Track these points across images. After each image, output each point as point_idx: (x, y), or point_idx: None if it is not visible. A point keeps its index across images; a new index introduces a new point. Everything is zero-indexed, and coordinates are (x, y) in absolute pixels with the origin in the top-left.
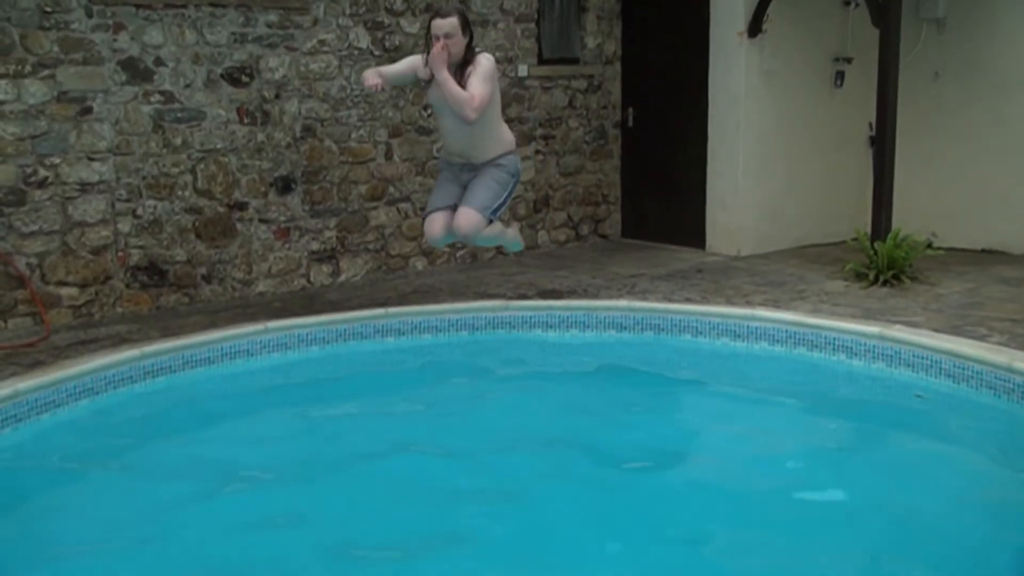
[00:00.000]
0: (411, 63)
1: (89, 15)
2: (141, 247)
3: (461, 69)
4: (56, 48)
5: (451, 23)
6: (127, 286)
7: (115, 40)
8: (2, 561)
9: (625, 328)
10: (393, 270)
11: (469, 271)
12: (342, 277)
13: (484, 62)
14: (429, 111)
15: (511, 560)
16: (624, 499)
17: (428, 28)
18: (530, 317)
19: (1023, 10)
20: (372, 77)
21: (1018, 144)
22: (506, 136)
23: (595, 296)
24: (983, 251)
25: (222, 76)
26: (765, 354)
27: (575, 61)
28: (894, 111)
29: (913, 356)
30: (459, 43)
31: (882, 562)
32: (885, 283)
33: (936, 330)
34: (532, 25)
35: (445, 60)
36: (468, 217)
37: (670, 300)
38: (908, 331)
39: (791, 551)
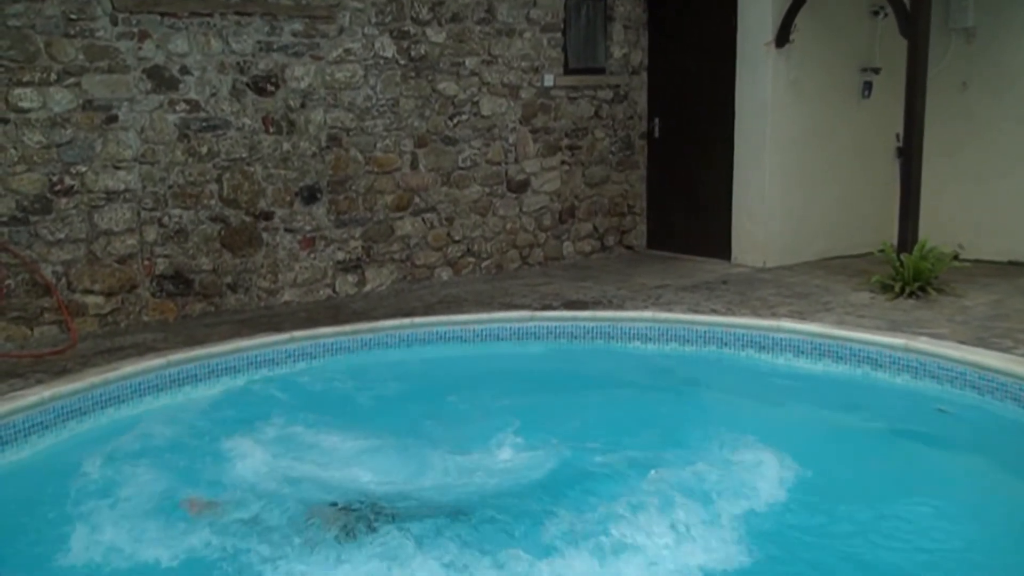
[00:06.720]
0: None
1: (114, 23)
2: (167, 256)
3: None
4: (81, 56)
5: None
6: (153, 295)
7: (140, 48)
8: (24, 565)
9: (650, 339)
10: (418, 280)
11: (494, 282)
12: (367, 287)
13: None
14: (455, 120)
15: None
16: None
17: None
18: (555, 328)
19: None
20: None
21: None
22: None
23: (620, 307)
24: (1010, 263)
25: (247, 85)
26: (790, 365)
27: (601, 71)
28: (922, 122)
29: (938, 368)
30: None
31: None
32: (911, 295)
33: (962, 342)
34: (558, 35)
35: None
36: None
37: (696, 311)
38: (934, 343)
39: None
